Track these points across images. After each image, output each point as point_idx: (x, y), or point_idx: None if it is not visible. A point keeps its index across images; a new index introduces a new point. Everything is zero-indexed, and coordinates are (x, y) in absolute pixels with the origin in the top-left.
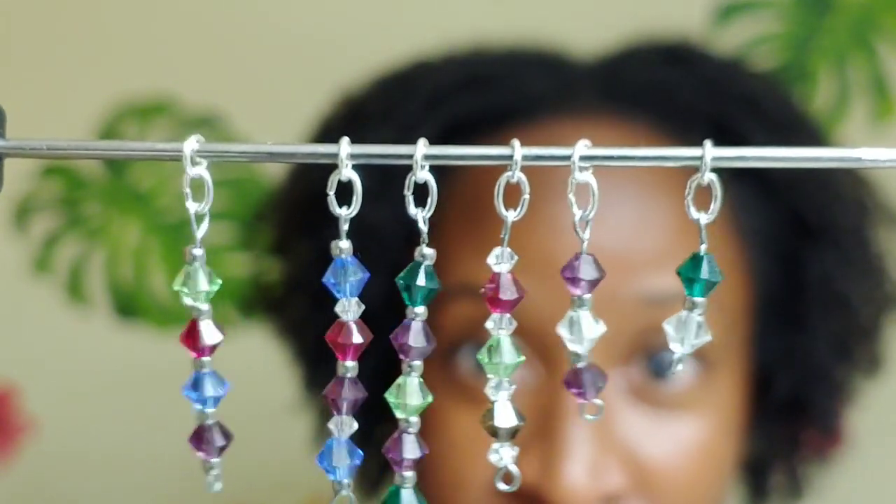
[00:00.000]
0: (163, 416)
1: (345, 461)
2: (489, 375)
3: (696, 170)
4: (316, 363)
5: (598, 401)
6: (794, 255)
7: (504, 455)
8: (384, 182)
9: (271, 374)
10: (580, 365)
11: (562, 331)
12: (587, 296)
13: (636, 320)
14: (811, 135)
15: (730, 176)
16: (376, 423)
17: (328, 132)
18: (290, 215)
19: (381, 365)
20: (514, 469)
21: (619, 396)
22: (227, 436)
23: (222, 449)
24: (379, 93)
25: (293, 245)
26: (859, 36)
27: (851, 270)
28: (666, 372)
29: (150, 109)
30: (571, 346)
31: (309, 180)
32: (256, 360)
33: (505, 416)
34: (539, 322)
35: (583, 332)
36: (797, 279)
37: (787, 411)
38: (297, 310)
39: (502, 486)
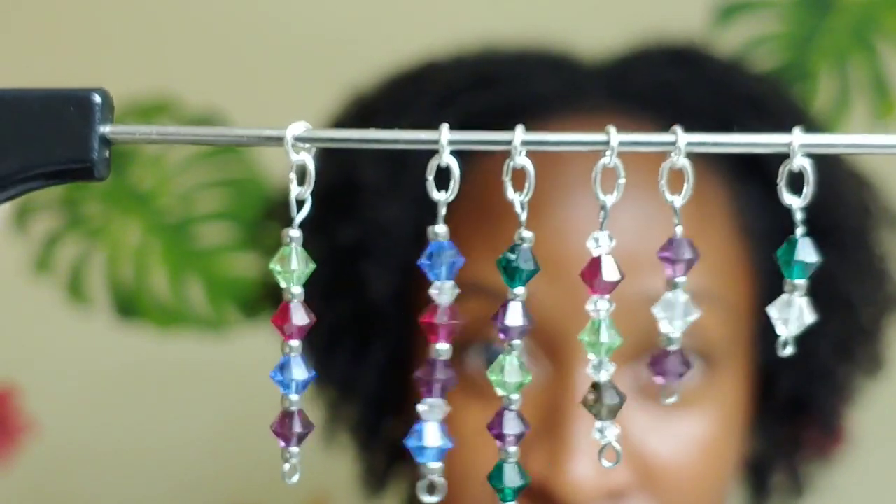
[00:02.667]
0: (163, 416)
1: (437, 442)
2: (590, 356)
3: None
4: (324, 358)
5: (672, 399)
6: None
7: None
8: (394, 179)
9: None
10: (670, 348)
11: (657, 311)
12: (682, 278)
13: (643, 320)
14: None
15: (734, 177)
16: (383, 419)
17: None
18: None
19: (389, 360)
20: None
21: (626, 394)
22: (308, 425)
23: (302, 437)
24: (390, 92)
25: (303, 242)
26: (860, 36)
27: (854, 272)
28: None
29: (151, 109)
30: (665, 328)
31: (319, 178)
32: (256, 361)
33: (611, 394)
34: (548, 321)
35: (679, 314)
36: None
37: (789, 410)
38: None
39: None
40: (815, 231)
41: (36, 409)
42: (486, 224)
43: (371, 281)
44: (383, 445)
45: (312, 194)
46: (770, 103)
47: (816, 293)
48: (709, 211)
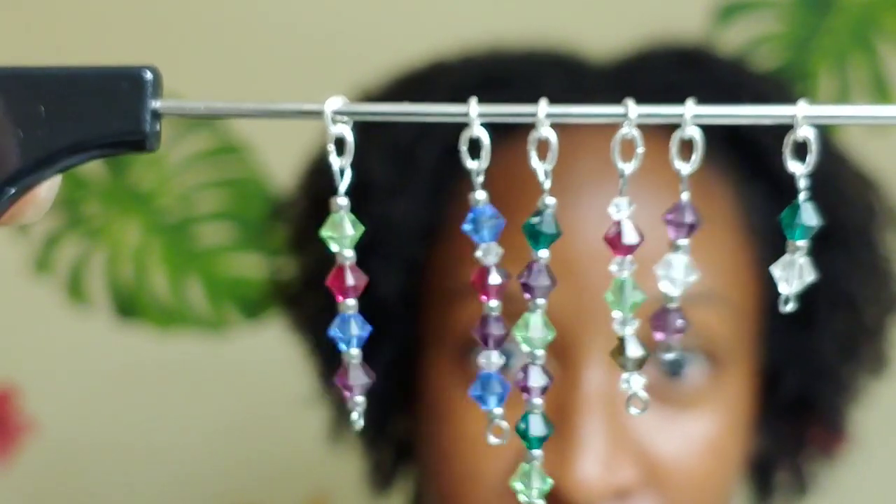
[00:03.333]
0: (163, 416)
1: (497, 389)
2: (614, 314)
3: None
4: (331, 357)
5: (671, 355)
6: None
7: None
8: (401, 177)
9: (270, 375)
10: (670, 306)
11: (658, 270)
12: (684, 241)
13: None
14: (822, 135)
15: (740, 177)
16: (390, 416)
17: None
18: (307, 213)
19: (396, 358)
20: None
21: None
22: (369, 374)
23: (365, 387)
24: (398, 92)
25: (310, 242)
26: (860, 36)
27: (858, 271)
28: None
29: None
30: (665, 288)
31: (325, 177)
32: (256, 361)
33: (634, 347)
34: (557, 321)
35: (679, 275)
36: None
37: (794, 409)
38: (312, 305)
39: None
40: (822, 232)
41: (36, 409)
42: None
43: (378, 278)
44: (390, 443)
45: (352, 165)
46: (776, 103)
47: (822, 293)
48: (715, 211)
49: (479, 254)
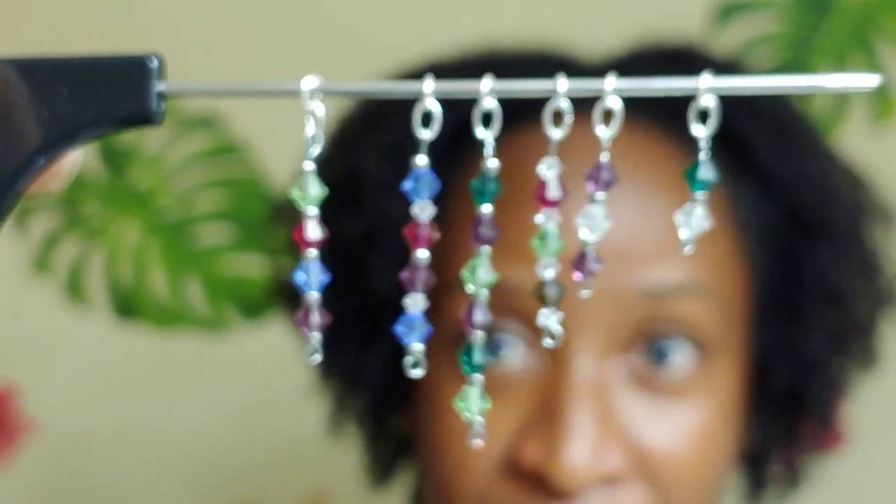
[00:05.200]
0: (162, 416)
1: (422, 329)
2: (541, 259)
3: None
4: (330, 350)
5: (587, 292)
6: (792, 251)
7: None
8: (398, 171)
9: (269, 374)
10: (587, 250)
11: (579, 219)
12: (601, 195)
13: (637, 311)
14: (811, 134)
15: (729, 173)
16: (389, 410)
17: (348, 130)
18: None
19: (394, 354)
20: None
21: (621, 383)
22: (325, 315)
23: (321, 326)
24: None
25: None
26: (859, 36)
27: (847, 266)
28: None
29: None
30: (583, 235)
31: (325, 177)
32: (255, 361)
33: (554, 288)
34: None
35: (597, 225)
36: (794, 273)
37: (784, 403)
38: None
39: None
40: (811, 227)
41: (35, 408)
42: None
43: (376, 273)
44: (389, 437)
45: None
46: (767, 103)
47: (811, 287)
48: None
49: (415, 210)
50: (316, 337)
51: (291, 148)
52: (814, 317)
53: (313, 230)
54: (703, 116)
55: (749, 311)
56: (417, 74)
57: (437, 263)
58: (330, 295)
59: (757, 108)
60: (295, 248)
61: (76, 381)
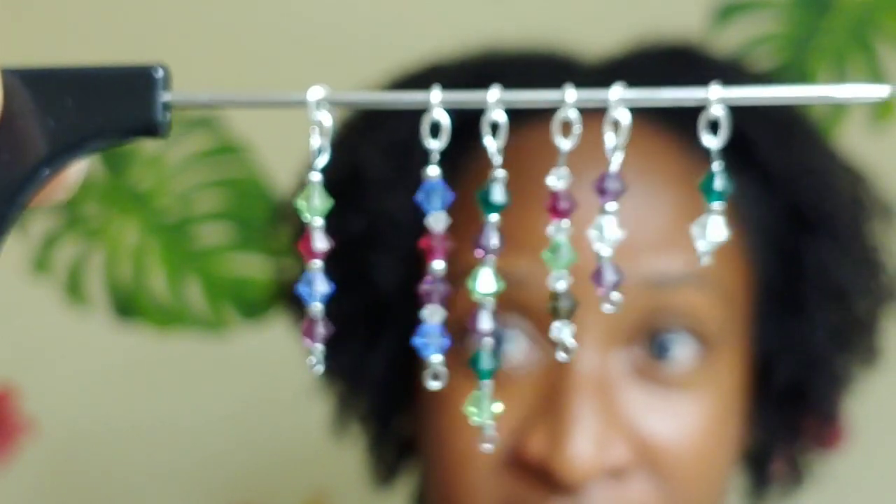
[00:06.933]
0: (162, 416)
1: (437, 339)
2: (553, 272)
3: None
4: (333, 350)
5: (615, 295)
6: (793, 246)
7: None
8: (400, 171)
9: (270, 375)
10: (602, 264)
11: (591, 233)
12: (612, 206)
13: (640, 303)
14: (812, 130)
15: (731, 168)
16: (393, 410)
17: (349, 132)
18: None
19: (399, 352)
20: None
21: (623, 376)
22: (329, 327)
23: (324, 337)
24: None
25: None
26: (859, 36)
27: (848, 262)
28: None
29: None
30: (597, 247)
31: (326, 175)
32: (255, 361)
33: (567, 300)
34: (545, 304)
35: (609, 236)
36: (795, 269)
37: (787, 399)
38: None
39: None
40: (812, 223)
41: (35, 408)
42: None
43: (379, 272)
44: (392, 438)
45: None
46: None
47: (812, 282)
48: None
49: (429, 220)
50: (319, 349)
51: (292, 148)
52: (815, 312)
53: (318, 241)
54: (714, 126)
55: (751, 306)
56: (419, 76)
57: None
58: (333, 295)
59: (761, 107)
60: (298, 253)
61: (76, 381)
